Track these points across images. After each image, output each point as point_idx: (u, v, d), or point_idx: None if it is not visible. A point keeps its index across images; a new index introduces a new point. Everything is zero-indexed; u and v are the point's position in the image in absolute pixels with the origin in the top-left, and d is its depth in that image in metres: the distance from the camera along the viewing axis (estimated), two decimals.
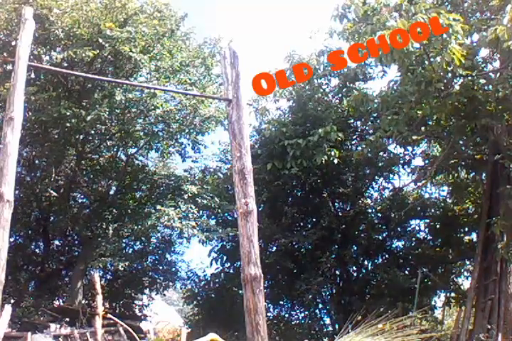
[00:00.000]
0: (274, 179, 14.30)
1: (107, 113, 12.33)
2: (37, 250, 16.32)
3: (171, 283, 15.87)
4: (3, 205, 3.65)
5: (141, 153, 14.89)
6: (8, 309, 8.18)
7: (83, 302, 13.73)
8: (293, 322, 15.83)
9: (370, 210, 15.62)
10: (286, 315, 16.03)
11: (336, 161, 12.85)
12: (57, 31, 12.03)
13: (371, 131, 13.48)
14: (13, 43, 11.43)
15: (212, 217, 15.42)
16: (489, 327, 11.06)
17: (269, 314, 14.84)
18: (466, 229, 15.09)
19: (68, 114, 11.96)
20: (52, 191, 14.29)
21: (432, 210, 15.53)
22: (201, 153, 15.32)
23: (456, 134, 11.64)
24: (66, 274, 16.31)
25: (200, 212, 14.39)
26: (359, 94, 12.09)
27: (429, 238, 15.76)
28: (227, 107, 4.55)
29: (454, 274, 15.57)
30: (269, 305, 15.02)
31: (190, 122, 13.63)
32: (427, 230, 15.85)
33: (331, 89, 14.60)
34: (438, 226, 15.41)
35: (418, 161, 14.31)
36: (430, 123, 11.71)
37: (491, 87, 10.56)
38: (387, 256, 15.72)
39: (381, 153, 13.83)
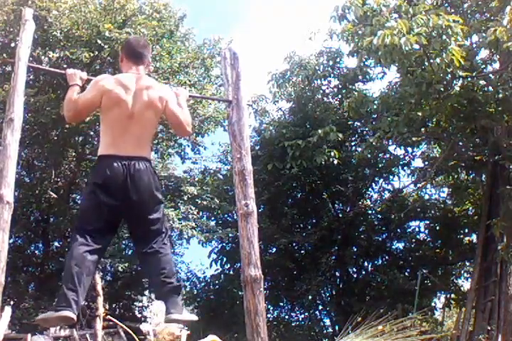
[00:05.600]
0: (274, 180, 14.31)
1: None
2: (36, 251, 16.28)
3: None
4: (3, 207, 3.64)
5: None
6: (7, 310, 8.18)
7: (83, 303, 13.69)
8: (293, 324, 15.83)
9: (370, 211, 15.63)
10: (286, 317, 16.03)
11: (335, 162, 12.87)
12: (55, 32, 12.02)
13: (371, 132, 13.50)
14: (12, 44, 11.42)
15: (212, 218, 15.44)
16: (489, 328, 11.06)
17: (269, 315, 14.82)
18: (466, 230, 15.10)
19: None
20: (51, 192, 14.27)
21: (432, 211, 15.53)
22: (201, 154, 15.34)
23: (456, 135, 11.64)
24: None
25: (200, 213, 14.38)
26: (359, 95, 12.10)
27: (429, 239, 15.76)
28: (228, 108, 4.53)
29: (454, 275, 15.58)
30: (269, 306, 15.00)
31: None
32: (426, 231, 15.85)
33: (330, 90, 14.62)
34: (438, 227, 15.41)
35: (418, 162, 14.33)
36: (430, 124, 11.72)
37: (490, 88, 10.57)
38: (387, 257, 15.73)
39: (381, 154, 13.84)
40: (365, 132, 14.57)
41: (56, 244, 16.35)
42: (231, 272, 15.14)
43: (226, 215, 15.55)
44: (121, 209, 3.73)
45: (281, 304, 15.82)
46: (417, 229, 15.93)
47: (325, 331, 15.62)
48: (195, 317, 3.81)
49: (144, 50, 4.02)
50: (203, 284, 16.03)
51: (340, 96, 14.34)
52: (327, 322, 15.83)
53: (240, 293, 12.38)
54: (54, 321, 3.58)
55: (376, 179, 15.20)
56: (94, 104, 3.85)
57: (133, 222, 3.86)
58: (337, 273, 15.47)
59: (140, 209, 3.74)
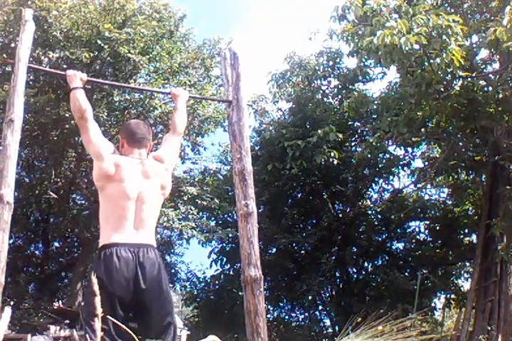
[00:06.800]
0: (274, 180, 14.32)
1: (106, 114, 12.31)
2: (36, 252, 16.31)
3: (170, 285, 15.81)
4: (3, 207, 3.63)
5: None
6: (7, 311, 8.18)
7: (83, 304, 13.69)
8: (293, 324, 15.83)
9: (370, 211, 15.63)
10: (286, 317, 16.03)
11: (335, 162, 12.88)
12: (55, 33, 12.01)
13: (371, 133, 13.50)
14: (12, 45, 11.41)
15: (212, 218, 15.44)
16: (489, 328, 11.06)
17: (269, 316, 14.82)
18: (466, 231, 15.11)
19: (67, 115, 11.94)
20: (51, 193, 14.27)
21: (432, 212, 15.55)
22: (201, 155, 15.34)
23: (456, 135, 11.64)
24: (66, 276, 16.30)
25: (200, 213, 14.38)
26: (359, 95, 12.10)
27: (429, 239, 15.77)
28: (228, 109, 4.52)
29: (454, 276, 15.59)
30: (269, 306, 15.00)
31: (189, 123, 13.62)
32: (426, 232, 15.88)
33: (330, 90, 14.62)
34: (438, 227, 15.42)
35: (418, 163, 14.34)
36: (430, 124, 11.72)
37: (490, 88, 10.57)
38: (387, 257, 15.74)
39: (381, 155, 13.84)
40: (365, 132, 14.57)
41: (56, 244, 16.37)
42: (231, 272, 15.14)
43: (226, 215, 15.55)
44: (132, 301, 3.49)
45: (281, 304, 15.83)
46: (417, 229, 15.98)
47: (325, 331, 15.62)
48: None
49: (145, 134, 3.88)
50: (202, 284, 16.03)
51: (340, 96, 14.34)
52: (327, 322, 15.85)
53: (240, 293, 12.38)
54: None
55: (376, 179, 15.20)
56: (89, 142, 3.71)
57: (143, 316, 3.60)
58: (337, 274, 15.47)
59: (150, 300, 3.53)
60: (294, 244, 15.08)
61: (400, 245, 16.04)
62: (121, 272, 3.45)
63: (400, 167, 14.23)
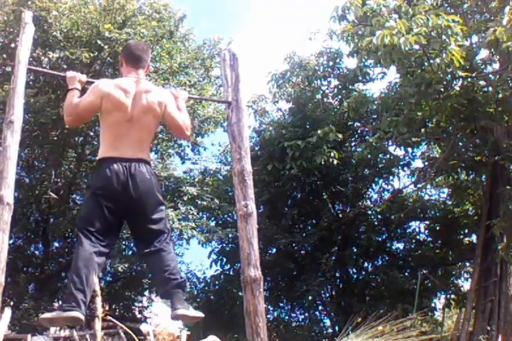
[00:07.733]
0: (274, 180, 14.32)
1: None
2: (36, 252, 16.28)
3: None
4: (3, 208, 3.64)
5: None
6: (7, 311, 8.17)
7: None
8: (293, 324, 15.82)
9: (369, 212, 15.63)
10: (286, 317, 16.02)
11: (335, 162, 12.87)
12: (55, 33, 12.01)
13: (371, 133, 13.50)
14: (12, 45, 11.42)
15: (212, 218, 15.43)
16: (489, 328, 11.06)
17: (268, 316, 14.82)
18: (466, 231, 15.10)
19: None
20: (51, 193, 14.26)
21: (432, 212, 15.55)
22: (201, 155, 15.34)
23: (456, 136, 11.65)
24: (66, 276, 16.24)
25: (200, 213, 14.38)
26: (359, 95, 12.10)
27: (429, 240, 15.77)
28: (227, 109, 4.53)
29: (454, 276, 15.59)
30: (269, 307, 15.00)
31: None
32: (426, 232, 15.87)
33: (330, 90, 14.62)
34: (438, 227, 15.42)
35: (418, 163, 14.33)
36: (430, 124, 11.72)
37: (490, 88, 10.57)
38: (387, 257, 15.74)
39: (381, 155, 13.84)
40: (365, 132, 14.56)
41: (56, 244, 16.34)
42: (231, 273, 15.13)
43: (226, 216, 15.54)
44: (123, 210, 3.78)
45: (281, 304, 15.82)
46: (417, 230, 15.98)
47: (325, 331, 15.62)
48: (201, 314, 3.80)
49: (143, 54, 4.06)
50: (202, 284, 16.02)
51: (340, 96, 14.33)
52: (327, 322, 15.84)
53: (239, 293, 12.38)
54: (61, 321, 3.52)
55: (376, 179, 15.19)
56: (94, 108, 3.88)
57: (135, 223, 3.89)
58: (337, 274, 15.47)
59: (142, 209, 3.79)
60: (293, 244, 15.08)
61: (400, 245, 16.05)
62: (110, 182, 3.73)
63: (400, 167, 14.23)
